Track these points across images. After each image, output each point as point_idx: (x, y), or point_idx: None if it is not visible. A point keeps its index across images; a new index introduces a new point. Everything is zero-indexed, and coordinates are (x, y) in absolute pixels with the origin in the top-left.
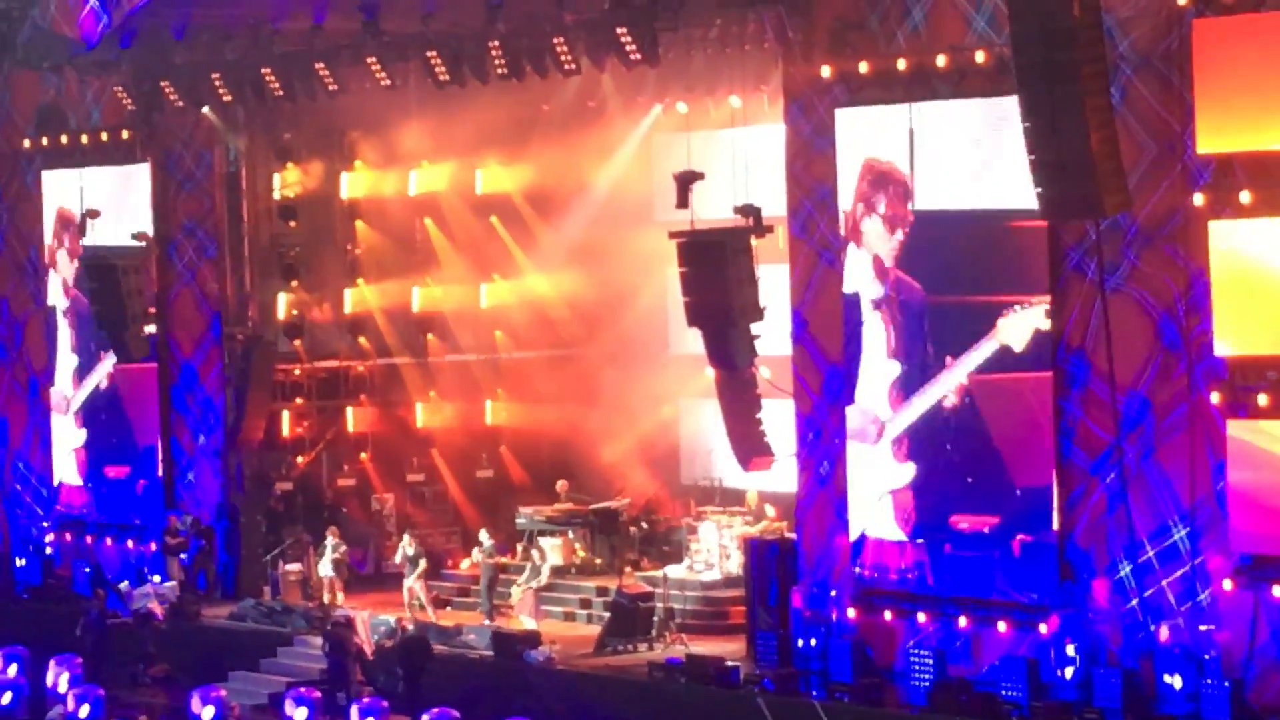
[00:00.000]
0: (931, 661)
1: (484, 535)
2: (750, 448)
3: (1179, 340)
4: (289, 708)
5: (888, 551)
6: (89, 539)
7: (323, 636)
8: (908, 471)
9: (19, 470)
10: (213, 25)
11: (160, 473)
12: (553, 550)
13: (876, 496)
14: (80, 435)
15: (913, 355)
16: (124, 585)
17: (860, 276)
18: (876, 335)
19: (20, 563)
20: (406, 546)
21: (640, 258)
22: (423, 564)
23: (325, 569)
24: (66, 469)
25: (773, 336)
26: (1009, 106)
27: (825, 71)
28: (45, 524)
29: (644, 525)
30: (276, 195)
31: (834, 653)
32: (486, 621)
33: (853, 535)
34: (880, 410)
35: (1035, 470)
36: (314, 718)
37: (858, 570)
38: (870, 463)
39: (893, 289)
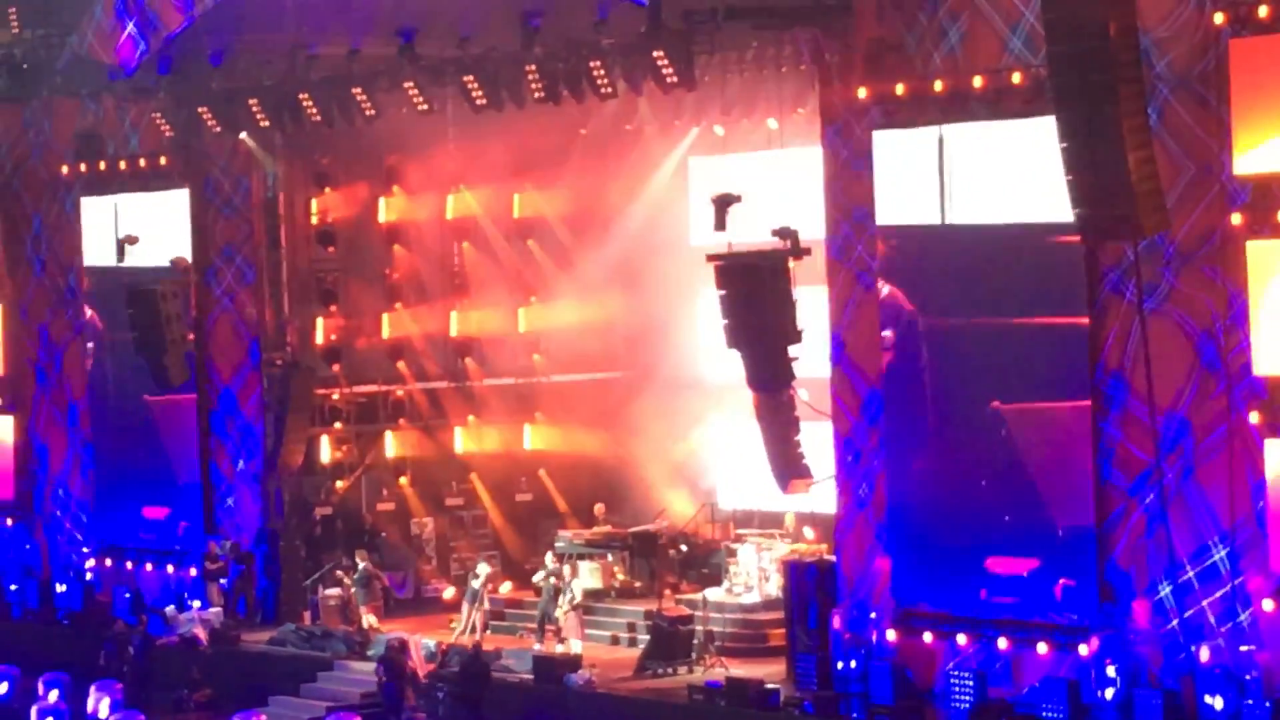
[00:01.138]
0: (972, 683)
1: (549, 558)
2: (789, 470)
3: (1218, 360)
4: None
5: None
6: (129, 564)
7: (377, 660)
8: None
9: (59, 496)
10: (250, 51)
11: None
12: (592, 574)
13: None
14: None
15: None
16: (169, 610)
17: None
18: None
19: (61, 588)
20: (480, 571)
21: (677, 280)
22: (477, 584)
23: (354, 591)
24: None
25: (811, 358)
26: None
27: (862, 93)
28: (85, 550)
29: (683, 548)
30: (314, 220)
31: (874, 675)
32: (537, 646)
33: None
34: None
35: (1077, 507)
36: None
37: None
38: None
39: None
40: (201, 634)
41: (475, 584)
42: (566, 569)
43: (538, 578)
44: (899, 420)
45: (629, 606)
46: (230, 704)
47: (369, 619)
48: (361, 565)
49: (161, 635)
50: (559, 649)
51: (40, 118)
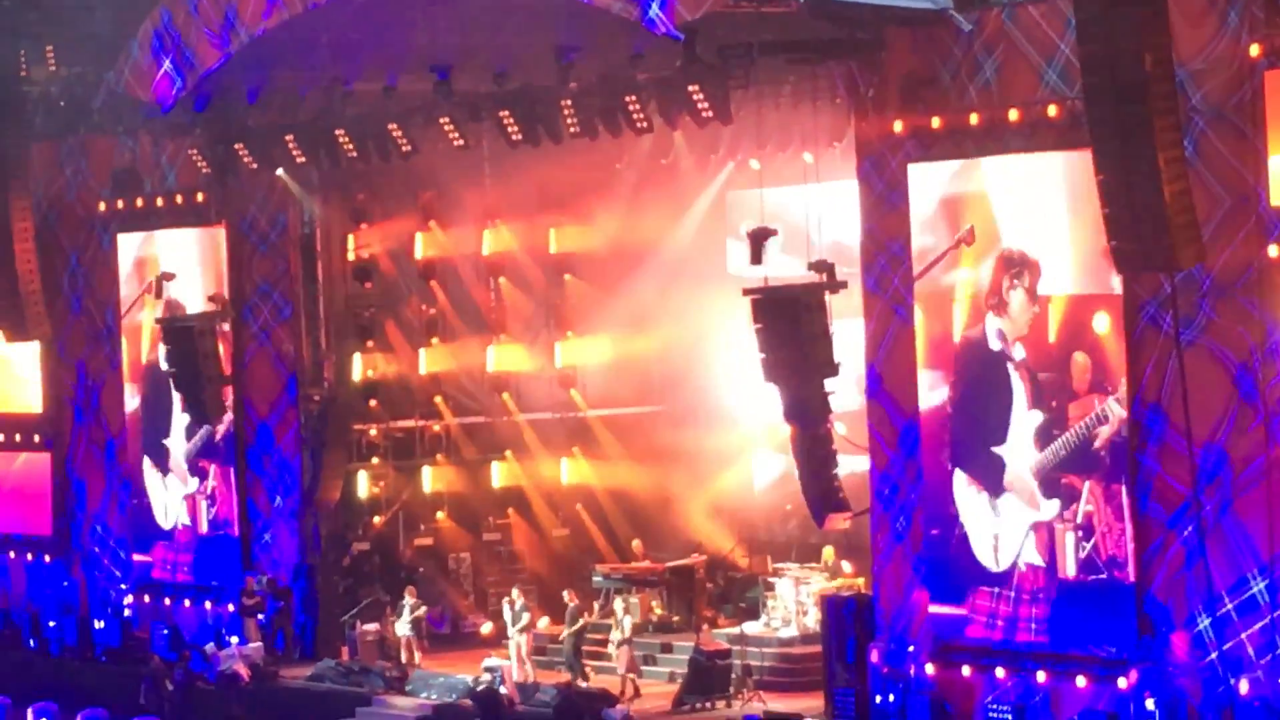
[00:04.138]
0: (1011, 717)
1: (567, 596)
2: (826, 503)
3: (1255, 392)
4: None
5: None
6: (167, 600)
7: (468, 694)
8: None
9: (96, 533)
10: (286, 87)
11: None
12: (632, 606)
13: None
14: (194, 483)
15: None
16: (209, 647)
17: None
18: (1019, 390)
19: (99, 625)
20: (515, 599)
21: (715, 314)
22: (526, 618)
23: (403, 629)
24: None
25: (847, 392)
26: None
27: (898, 127)
28: (123, 586)
29: (720, 582)
30: (351, 256)
31: (912, 709)
32: (583, 683)
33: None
34: (1026, 455)
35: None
36: None
37: None
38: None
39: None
40: (243, 670)
41: (517, 608)
42: (619, 604)
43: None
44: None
45: (654, 640)
46: None
47: (417, 655)
48: (411, 602)
49: (202, 671)
50: (588, 683)
51: (77, 155)
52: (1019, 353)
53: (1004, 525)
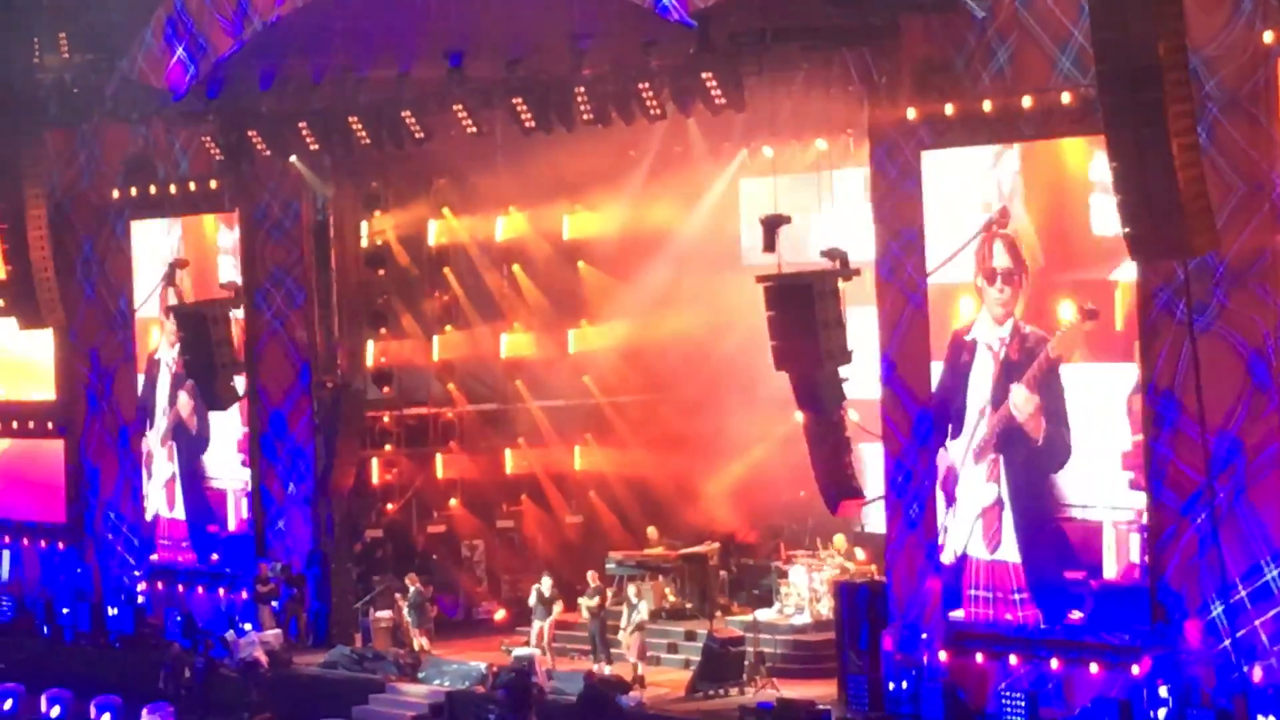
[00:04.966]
0: (1024, 704)
1: (591, 578)
2: (839, 490)
3: (1269, 379)
4: None
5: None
6: (181, 587)
7: (500, 686)
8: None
9: (110, 520)
10: (299, 74)
11: (250, 521)
12: (645, 592)
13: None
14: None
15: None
16: (229, 635)
17: (981, 324)
18: (983, 370)
19: (112, 611)
20: (543, 587)
21: (727, 301)
22: (558, 608)
23: (406, 614)
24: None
25: (861, 379)
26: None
27: (911, 114)
28: (137, 573)
29: (733, 569)
30: (364, 243)
31: (925, 696)
32: (600, 667)
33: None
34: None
35: None
36: None
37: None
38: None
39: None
40: (262, 657)
41: (546, 594)
42: (631, 590)
43: (585, 600)
44: None
45: (676, 627)
46: None
47: (420, 641)
48: (413, 589)
49: (223, 659)
50: (608, 669)
51: (90, 143)
52: (991, 334)
53: (953, 516)
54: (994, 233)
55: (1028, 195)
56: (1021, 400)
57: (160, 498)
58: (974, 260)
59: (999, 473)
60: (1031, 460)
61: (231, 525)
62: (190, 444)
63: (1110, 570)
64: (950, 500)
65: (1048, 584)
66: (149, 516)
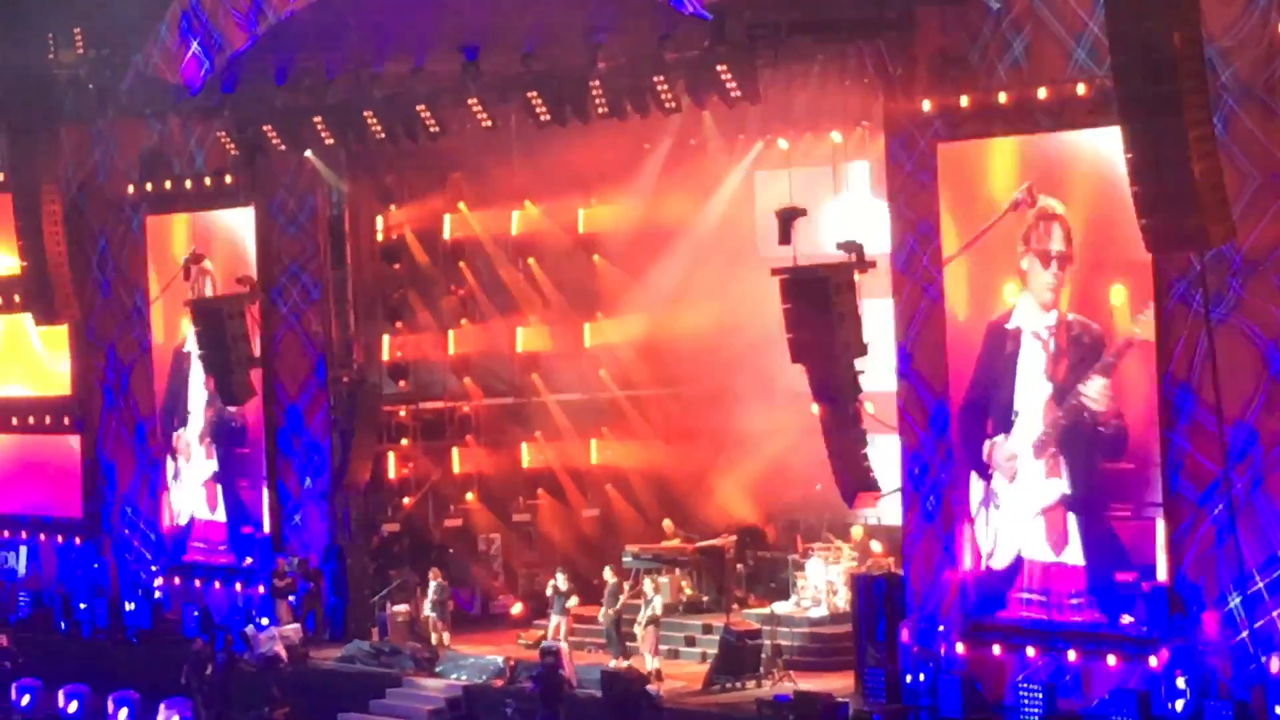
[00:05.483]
0: (1041, 696)
1: (608, 573)
2: (855, 483)
3: None
4: None
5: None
6: (198, 582)
7: (528, 673)
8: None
9: (126, 515)
10: (314, 69)
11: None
12: (662, 586)
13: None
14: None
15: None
16: (248, 630)
17: (1024, 313)
18: (1033, 360)
19: (129, 606)
20: (559, 581)
21: (744, 294)
22: (574, 601)
23: (427, 609)
24: (196, 503)
25: (876, 371)
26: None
27: (926, 106)
28: (154, 568)
29: (750, 562)
30: (380, 237)
31: (943, 688)
32: (617, 662)
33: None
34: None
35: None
36: None
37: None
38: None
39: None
40: (282, 651)
41: (562, 588)
42: (648, 584)
43: (605, 599)
44: None
45: (693, 620)
46: None
47: (443, 635)
48: (435, 583)
49: (244, 654)
50: (624, 664)
51: (105, 138)
52: (1038, 322)
53: (1004, 517)
54: (1047, 214)
55: (1070, 181)
56: (1096, 391)
57: (198, 498)
58: (1021, 243)
59: (1061, 468)
60: (1094, 454)
61: (267, 527)
62: (230, 439)
63: (1163, 572)
64: (990, 500)
65: (1105, 586)
66: (182, 520)
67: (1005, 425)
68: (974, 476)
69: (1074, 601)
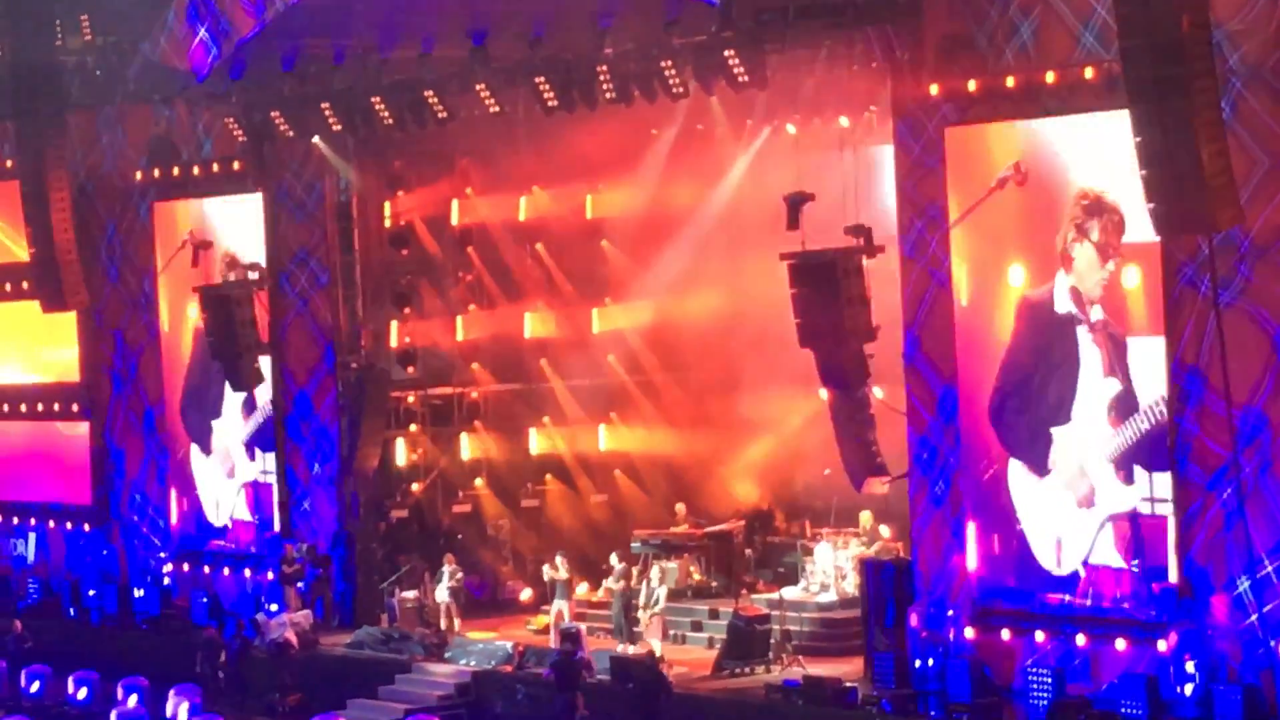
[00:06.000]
0: (1050, 680)
1: (615, 559)
2: (864, 468)
3: None
4: None
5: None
6: (206, 569)
7: (550, 665)
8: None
9: (135, 502)
10: (321, 55)
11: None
12: (669, 573)
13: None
14: (258, 466)
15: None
16: (260, 617)
17: (1065, 300)
18: (1091, 355)
19: (139, 593)
20: (559, 567)
21: (751, 279)
22: (584, 588)
23: (442, 595)
24: (235, 504)
25: (885, 356)
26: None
27: (933, 90)
28: (163, 555)
29: (758, 547)
30: (388, 223)
31: (952, 673)
32: (624, 648)
33: (1067, 568)
34: (1100, 430)
35: None
36: None
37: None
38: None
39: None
40: (293, 638)
41: (561, 575)
42: (656, 570)
43: (609, 582)
44: None
45: (703, 605)
46: (310, 707)
47: (456, 621)
48: (450, 569)
49: (256, 640)
50: (631, 649)
51: (113, 124)
52: (1095, 314)
53: (1069, 522)
54: (1107, 207)
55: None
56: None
57: (238, 501)
58: (1074, 230)
59: (1132, 474)
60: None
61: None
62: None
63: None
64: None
65: (1147, 589)
66: (220, 521)
67: (1062, 416)
68: (1014, 464)
69: (1124, 606)
